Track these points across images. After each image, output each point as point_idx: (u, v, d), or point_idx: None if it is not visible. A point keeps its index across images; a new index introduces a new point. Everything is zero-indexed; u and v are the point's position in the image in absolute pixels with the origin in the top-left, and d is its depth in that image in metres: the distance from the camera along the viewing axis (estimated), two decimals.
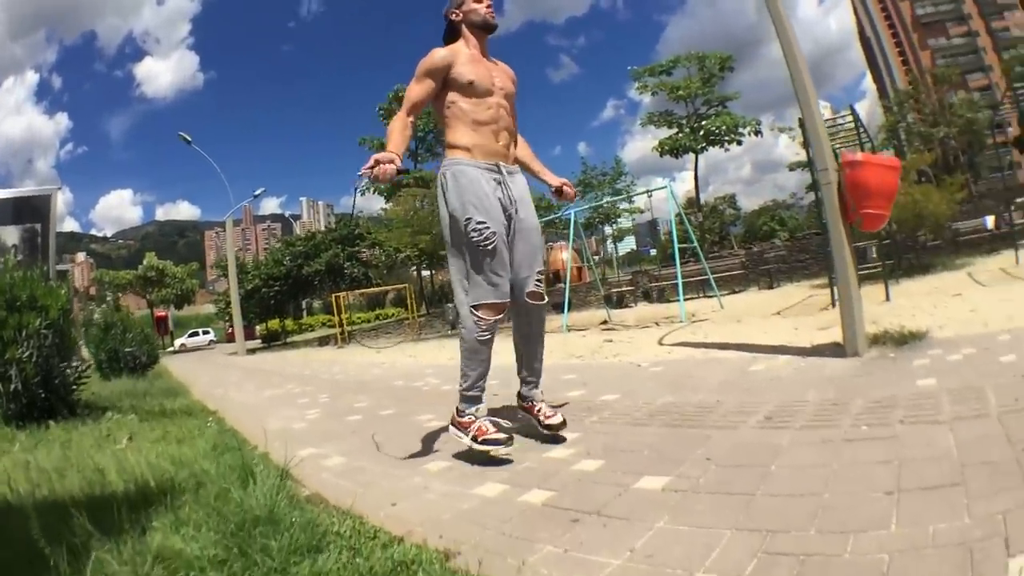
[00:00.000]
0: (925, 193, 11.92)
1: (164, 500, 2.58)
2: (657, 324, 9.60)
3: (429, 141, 37.86)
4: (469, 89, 2.99)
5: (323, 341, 27.60)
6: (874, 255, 10.18)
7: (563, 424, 3.04)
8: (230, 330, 40.58)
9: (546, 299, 3.12)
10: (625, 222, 41.18)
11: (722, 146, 35.95)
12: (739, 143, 35.86)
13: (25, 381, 4.91)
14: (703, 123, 35.75)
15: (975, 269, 9.51)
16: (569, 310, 12.12)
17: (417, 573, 1.83)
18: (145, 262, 42.49)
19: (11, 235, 10.78)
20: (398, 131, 2.90)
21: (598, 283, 15.87)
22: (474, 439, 2.84)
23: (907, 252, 12.42)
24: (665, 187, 12.38)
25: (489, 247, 2.82)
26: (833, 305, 6.73)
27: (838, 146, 8.59)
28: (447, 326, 20.38)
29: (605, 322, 11.66)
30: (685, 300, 10.68)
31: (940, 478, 1.82)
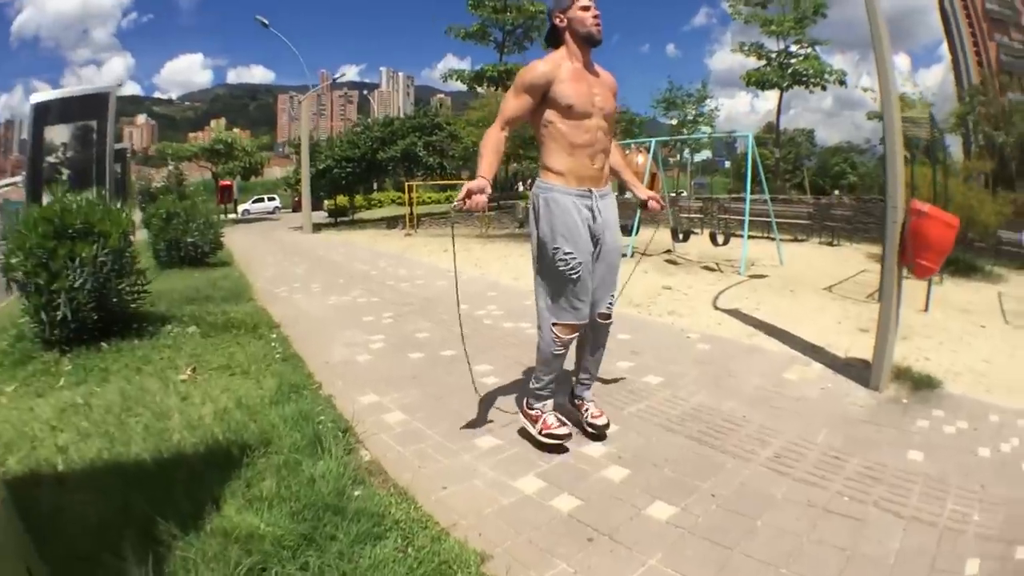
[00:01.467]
0: (980, 200, 13.03)
1: (235, 462, 2.91)
2: (718, 268, 10.42)
3: (517, 35, 36.79)
4: (568, 112, 3.05)
5: (391, 223, 28.18)
6: None
7: (607, 426, 3.39)
8: (296, 199, 41.32)
9: (612, 319, 3.38)
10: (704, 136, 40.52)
11: (807, 87, 35.75)
12: (824, 88, 35.68)
13: (76, 309, 5.17)
14: (791, 61, 34.94)
15: (1007, 289, 9.75)
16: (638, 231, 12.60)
17: (456, 574, 2.19)
18: (213, 134, 42.84)
19: (63, 134, 11.04)
20: (491, 150, 2.98)
21: (669, 210, 15.82)
22: (540, 431, 3.21)
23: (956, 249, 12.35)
24: (747, 135, 12.21)
25: (574, 276, 3.05)
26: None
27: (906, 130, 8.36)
28: (515, 223, 21.57)
29: (669, 251, 12.45)
30: (753, 237, 11.19)
31: None
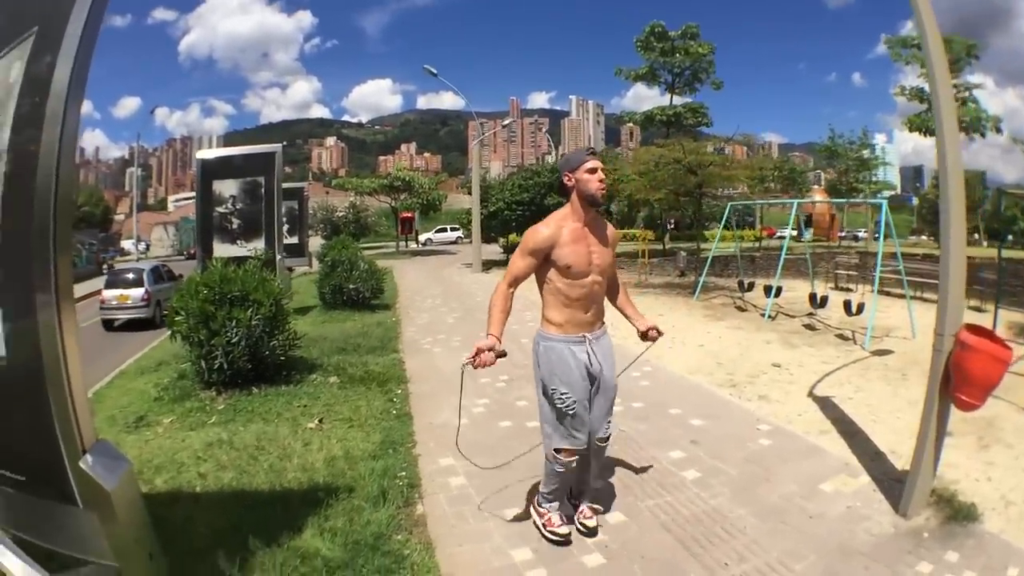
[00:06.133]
0: None
1: (323, 501, 4.13)
2: (852, 338, 10.35)
3: (686, 76, 37.64)
4: (567, 271, 3.57)
5: None
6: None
7: (596, 529, 3.97)
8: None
9: (609, 444, 3.94)
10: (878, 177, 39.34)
11: (967, 135, 34.42)
12: (982, 135, 34.46)
13: (232, 360, 6.46)
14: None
15: None
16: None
17: None
18: (393, 171, 46.15)
19: (231, 188, 12.99)
20: (499, 309, 3.52)
21: (810, 266, 15.76)
22: (544, 526, 3.91)
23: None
24: (881, 202, 12.13)
25: (571, 412, 3.61)
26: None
27: None
28: (676, 272, 22.45)
29: (812, 314, 12.55)
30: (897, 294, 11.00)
31: None
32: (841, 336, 10.67)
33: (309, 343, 8.73)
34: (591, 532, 3.94)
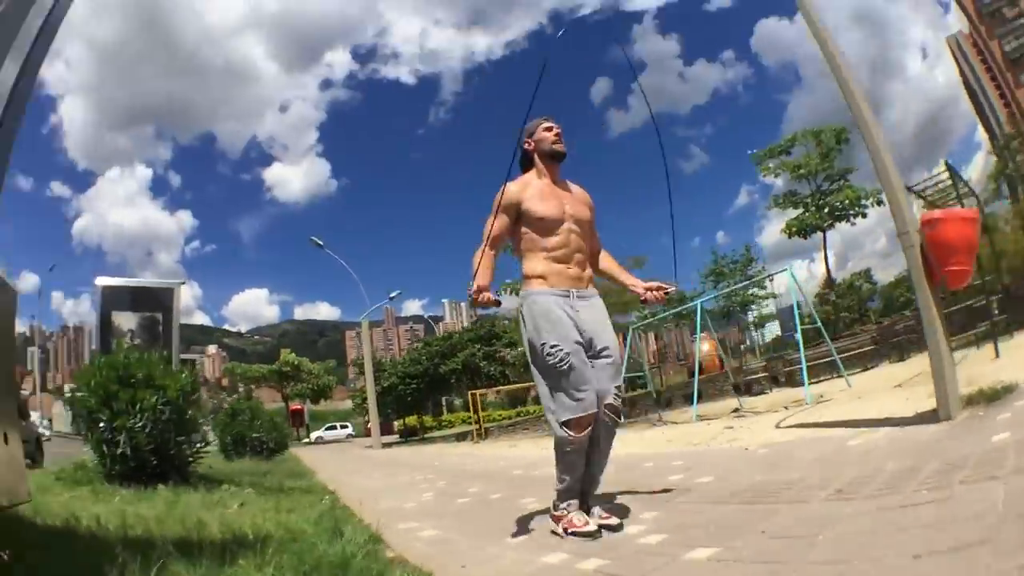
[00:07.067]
0: None
1: (256, 547, 2.99)
2: (786, 408, 9.89)
3: None
4: (540, 223, 3.43)
5: (461, 437, 29.08)
6: (996, 312, 9.75)
7: (622, 525, 3.22)
8: (369, 424, 42.54)
9: (621, 419, 3.41)
10: (767, 308, 41.08)
11: (848, 220, 37.62)
12: (863, 215, 37.32)
13: (135, 447, 5.67)
14: (827, 199, 37.30)
15: None
16: (700, 400, 12.85)
17: None
18: (281, 358, 45.20)
19: (130, 321, 12.03)
20: (483, 266, 3.35)
21: (730, 372, 16.14)
22: (564, 530, 3.17)
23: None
24: (785, 270, 12.64)
25: (564, 367, 3.15)
26: None
27: (933, 203, 8.33)
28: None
29: (736, 410, 12.05)
30: (817, 382, 11.51)
31: (973, 537, 1.94)
32: (774, 411, 10.03)
33: (216, 472, 7.60)
34: (617, 528, 3.16)
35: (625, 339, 17.40)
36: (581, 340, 3.24)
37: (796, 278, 11.97)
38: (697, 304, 13.52)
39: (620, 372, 3.42)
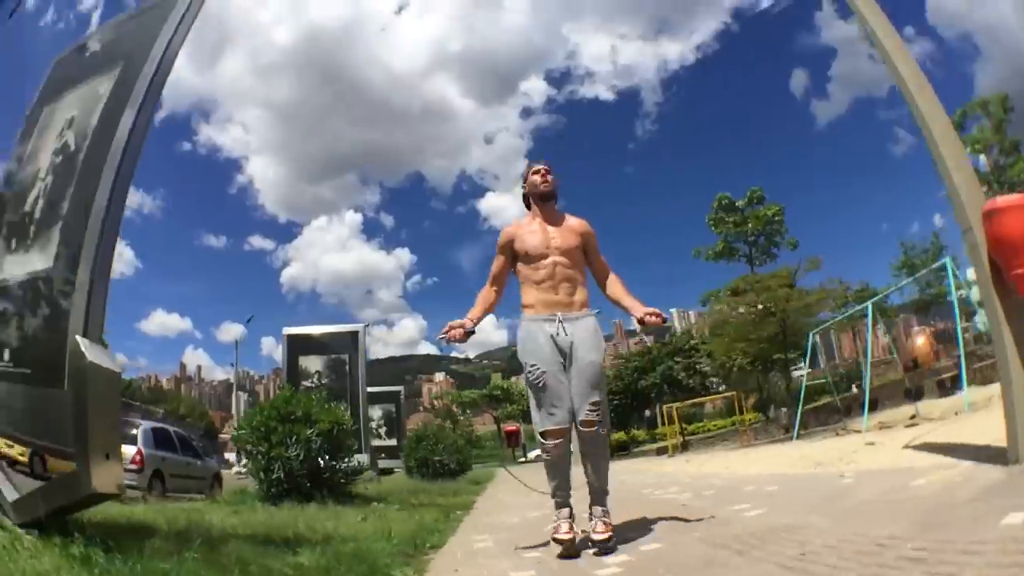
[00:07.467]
0: None
1: (313, 543, 3.85)
2: (956, 414, 9.18)
3: (761, 243, 36.94)
4: (526, 257, 3.89)
5: (661, 451, 29.06)
6: None
7: (608, 540, 3.49)
8: None
9: (599, 429, 3.62)
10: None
11: None
12: None
13: (289, 472, 6.85)
14: (1007, 173, 32.18)
15: None
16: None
17: None
18: (491, 383, 47.06)
19: (316, 364, 13.64)
20: (480, 300, 4.03)
21: (905, 377, 15.39)
22: (551, 533, 3.58)
23: None
24: (945, 261, 11.62)
25: (540, 384, 3.62)
26: None
27: None
28: (781, 430, 20.67)
29: (913, 417, 11.17)
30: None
31: None
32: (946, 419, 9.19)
33: (381, 490, 8.83)
34: (603, 549, 3.43)
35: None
36: (562, 360, 3.65)
37: (954, 272, 11.08)
38: (868, 304, 12.93)
39: (597, 389, 3.62)
